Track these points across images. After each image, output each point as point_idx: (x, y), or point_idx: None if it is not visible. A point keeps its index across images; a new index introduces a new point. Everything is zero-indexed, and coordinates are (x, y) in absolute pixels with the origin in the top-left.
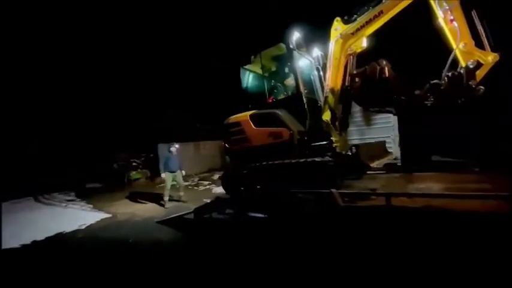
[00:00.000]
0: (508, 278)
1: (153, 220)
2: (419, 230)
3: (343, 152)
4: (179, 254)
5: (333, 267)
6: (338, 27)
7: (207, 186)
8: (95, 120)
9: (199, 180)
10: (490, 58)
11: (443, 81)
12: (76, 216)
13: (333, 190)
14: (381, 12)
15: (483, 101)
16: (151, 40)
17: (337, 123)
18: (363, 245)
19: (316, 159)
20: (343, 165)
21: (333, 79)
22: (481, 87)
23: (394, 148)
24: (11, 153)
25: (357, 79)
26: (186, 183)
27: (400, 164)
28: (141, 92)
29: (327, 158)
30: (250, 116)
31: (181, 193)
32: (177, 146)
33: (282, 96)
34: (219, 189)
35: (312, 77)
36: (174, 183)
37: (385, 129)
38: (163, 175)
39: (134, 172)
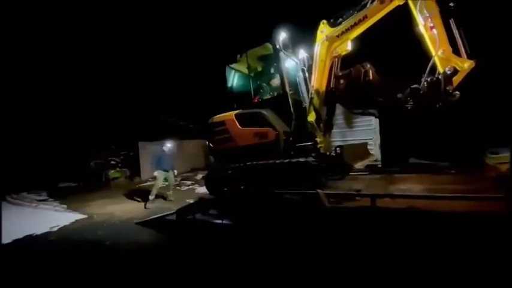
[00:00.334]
0: (493, 277)
1: (132, 221)
2: (406, 230)
3: (327, 153)
4: (161, 257)
5: (320, 268)
6: (324, 30)
7: (190, 186)
8: (71, 117)
9: (181, 180)
10: (466, 65)
11: (422, 86)
12: (48, 217)
13: (319, 191)
14: (365, 17)
15: (458, 106)
16: (132, 34)
17: (321, 125)
18: (350, 246)
19: (301, 159)
20: (327, 165)
21: (318, 81)
22: (457, 92)
23: (375, 150)
24: None
25: (341, 81)
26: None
27: (380, 166)
28: (122, 89)
29: (311, 159)
30: (236, 115)
31: (170, 192)
32: (169, 144)
33: (267, 96)
34: (202, 190)
35: (297, 79)
36: (166, 183)
37: (367, 131)
38: (155, 173)
39: (112, 171)
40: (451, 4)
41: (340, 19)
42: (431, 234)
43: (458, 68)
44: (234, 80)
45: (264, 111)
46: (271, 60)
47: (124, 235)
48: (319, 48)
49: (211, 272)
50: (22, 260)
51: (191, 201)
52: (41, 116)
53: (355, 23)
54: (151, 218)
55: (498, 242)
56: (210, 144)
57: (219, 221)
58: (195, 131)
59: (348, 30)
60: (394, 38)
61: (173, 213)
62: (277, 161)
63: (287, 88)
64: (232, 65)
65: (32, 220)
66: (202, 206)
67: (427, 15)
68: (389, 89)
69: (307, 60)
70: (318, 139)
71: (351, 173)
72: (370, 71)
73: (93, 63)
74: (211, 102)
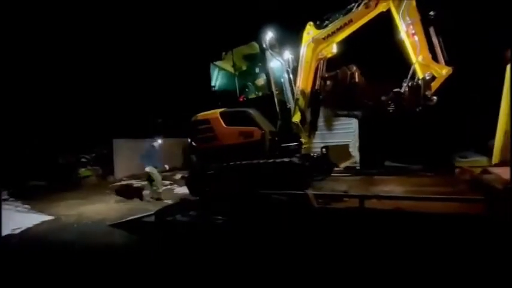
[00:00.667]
0: (479, 276)
1: (104, 223)
2: (394, 230)
3: (312, 154)
4: (139, 262)
5: (312, 268)
6: (310, 32)
7: (169, 186)
8: (40, 111)
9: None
10: (444, 71)
11: (404, 90)
12: (9, 219)
13: (308, 191)
14: (351, 21)
15: (434, 111)
16: (111, 26)
17: (306, 126)
18: (341, 245)
19: (288, 159)
20: (312, 166)
21: (303, 82)
22: (435, 97)
23: (354, 152)
24: None
25: (328, 82)
26: (144, 183)
27: (358, 168)
28: (96, 82)
29: (297, 159)
30: (221, 113)
31: (160, 190)
32: (160, 141)
33: (253, 96)
34: (182, 190)
35: (282, 79)
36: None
37: (346, 134)
38: (147, 169)
39: (83, 169)
40: (431, 13)
41: (327, 22)
42: (418, 234)
43: (436, 75)
44: (218, 78)
45: (250, 110)
46: (256, 59)
47: (95, 238)
48: (305, 49)
49: (198, 276)
50: None
51: (170, 201)
52: (9, 108)
53: (340, 26)
54: (126, 219)
55: (482, 241)
56: (193, 143)
57: (202, 223)
58: (174, 129)
59: (333, 33)
60: (378, 42)
61: (151, 214)
62: (263, 161)
63: (273, 88)
64: (217, 63)
65: None
66: (184, 207)
67: (409, 22)
68: (373, 91)
69: (291, 62)
70: (302, 140)
71: (332, 175)
72: (356, 73)
73: (67, 54)
74: (192, 99)
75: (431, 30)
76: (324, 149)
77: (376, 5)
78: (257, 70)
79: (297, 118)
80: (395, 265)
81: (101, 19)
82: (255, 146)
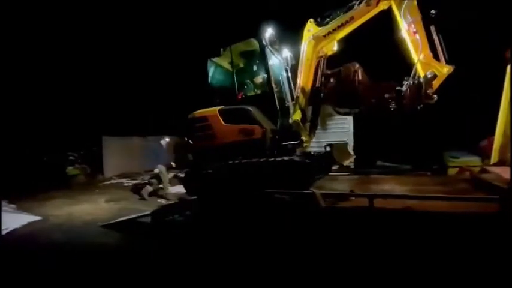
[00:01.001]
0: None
1: (95, 223)
2: (404, 230)
3: (312, 153)
4: (132, 265)
5: (319, 268)
6: (311, 29)
7: (161, 185)
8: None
9: (151, 178)
10: (445, 70)
11: (405, 89)
12: None
13: (315, 191)
14: (352, 18)
15: (435, 109)
16: (105, 21)
17: (306, 124)
18: (349, 246)
19: (293, 158)
20: (315, 165)
21: (304, 79)
22: (435, 96)
23: (351, 151)
24: None
25: (331, 79)
26: (136, 182)
27: (352, 167)
28: (86, 77)
29: (299, 158)
30: (220, 111)
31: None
32: (167, 139)
33: (252, 93)
34: (175, 189)
35: (280, 77)
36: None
37: (341, 133)
38: (157, 169)
39: (71, 167)
40: (433, 11)
41: (327, 19)
42: (429, 234)
43: (437, 73)
44: (215, 74)
45: (250, 108)
46: (254, 57)
47: (86, 239)
48: (305, 47)
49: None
50: None
51: (163, 201)
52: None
53: (341, 23)
54: (119, 220)
55: (494, 241)
56: (190, 141)
57: (202, 223)
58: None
59: (334, 30)
60: (379, 40)
61: (147, 214)
62: (267, 159)
63: (273, 85)
64: (214, 59)
65: None
66: (182, 207)
67: (411, 20)
68: (375, 89)
69: (290, 60)
70: (303, 138)
71: (330, 174)
72: (359, 71)
73: (56, 49)
74: (187, 96)
75: (432, 28)
76: (327, 147)
77: (378, 3)
78: (255, 68)
79: (297, 116)
80: (409, 267)
81: (94, 13)
82: (255, 144)
